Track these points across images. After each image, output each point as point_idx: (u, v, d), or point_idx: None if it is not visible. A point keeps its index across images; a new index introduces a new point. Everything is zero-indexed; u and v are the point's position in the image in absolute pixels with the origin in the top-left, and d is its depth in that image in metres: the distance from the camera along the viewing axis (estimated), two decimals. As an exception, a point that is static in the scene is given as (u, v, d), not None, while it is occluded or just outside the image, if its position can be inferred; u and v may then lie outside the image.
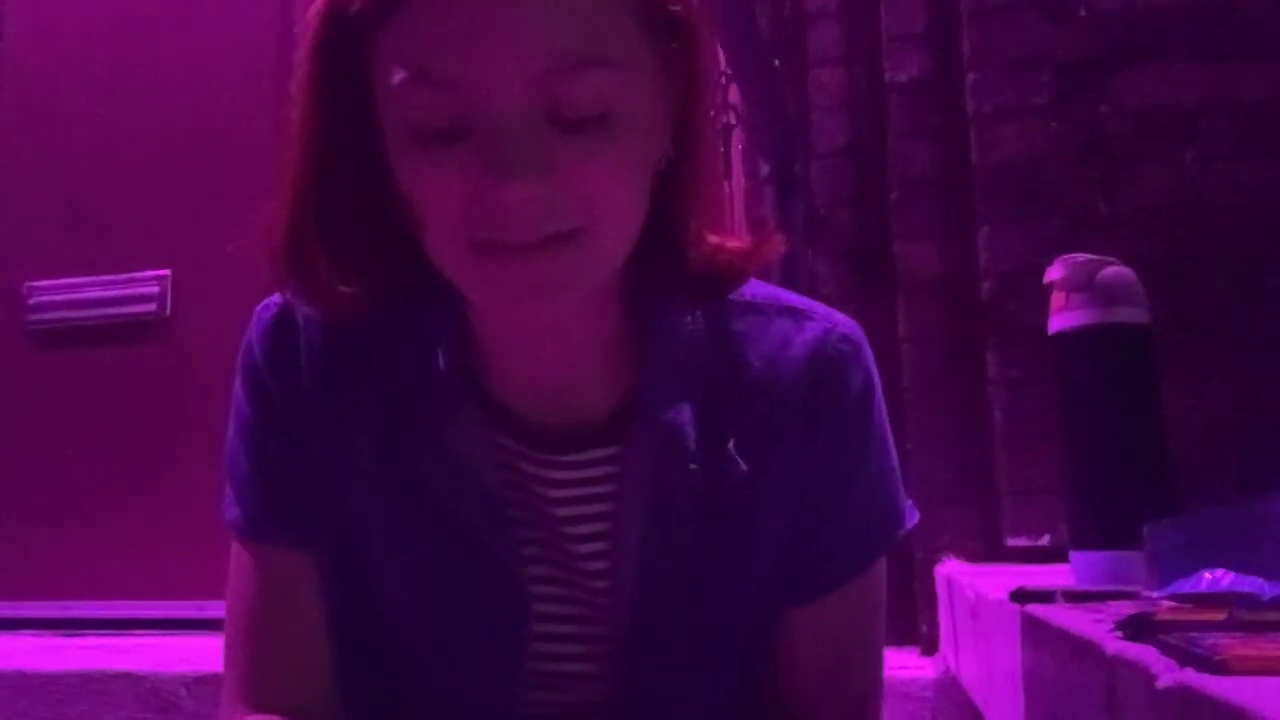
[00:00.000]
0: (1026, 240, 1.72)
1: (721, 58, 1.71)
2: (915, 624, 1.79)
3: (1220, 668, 0.44)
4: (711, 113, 0.69)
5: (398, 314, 0.71)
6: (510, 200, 0.57)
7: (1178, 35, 1.73)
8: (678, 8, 0.63)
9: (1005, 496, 1.71)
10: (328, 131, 0.63)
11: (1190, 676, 0.45)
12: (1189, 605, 0.60)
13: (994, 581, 1.18)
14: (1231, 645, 0.46)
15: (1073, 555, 1.01)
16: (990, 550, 1.74)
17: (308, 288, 0.67)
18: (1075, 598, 0.80)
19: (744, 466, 0.71)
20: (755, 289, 0.77)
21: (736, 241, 0.71)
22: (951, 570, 1.60)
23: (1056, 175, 1.75)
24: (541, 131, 0.58)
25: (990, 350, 1.74)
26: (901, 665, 1.69)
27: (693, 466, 0.70)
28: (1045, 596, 0.82)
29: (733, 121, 1.89)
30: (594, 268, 0.63)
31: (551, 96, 0.57)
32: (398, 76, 0.58)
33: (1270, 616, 0.53)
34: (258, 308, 0.76)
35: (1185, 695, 0.44)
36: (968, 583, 1.26)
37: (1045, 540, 1.65)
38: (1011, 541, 1.69)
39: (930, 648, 1.75)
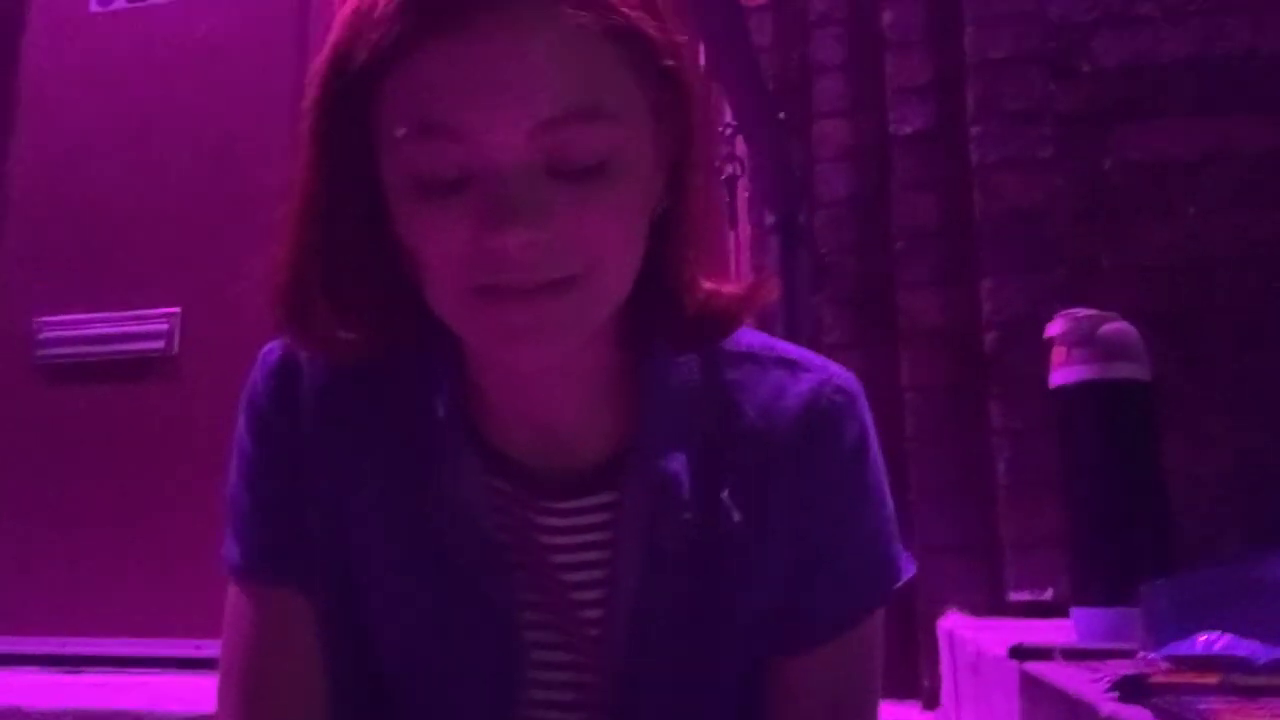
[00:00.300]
0: (1029, 291, 1.73)
1: (728, 111, 1.74)
2: (917, 678, 1.77)
3: (1210, 734, 0.44)
4: (706, 161, 0.70)
5: (398, 360, 0.72)
6: (510, 247, 0.58)
7: (1179, 89, 1.75)
8: (671, 61, 0.64)
9: (1008, 549, 1.70)
10: (331, 181, 0.64)
11: (1181, 741, 0.45)
12: (1183, 668, 0.60)
13: (995, 637, 1.17)
14: (1222, 711, 0.45)
15: (1073, 611, 1.00)
16: (993, 603, 1.73)
17: (308, 333, 0.68)
18: (1073, 655, 0.80)
19: (737, 516, 0.71)
20: (752, 339, 0.77)
21: (732, 287, 0.71)
22: (954, 624, 1.59)
23: (1060, 227, 1.76)
24: (541, 181, 0.59)
25: (993, 401, 1.74)
26: (903, 718, 1.68)
27: (687, 515, 0.70)
28: (1043, 654, 0.81)
29: (738, 172, 1.91)
30: (592, 312, 0.64)
31: (551, 147, 0.58)
32: (401, 129, 0.59)
33: (1262, 682, 0.53)
34: (263, 349, 0.77)
35: (1175, 760, 0.44)
36: (969, 637, 1.25)
37: (1048, 594, 1.64)
38: (1014, 596, 1.67)
39: (932, 701, 1.73)
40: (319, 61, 0.63)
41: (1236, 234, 1.70)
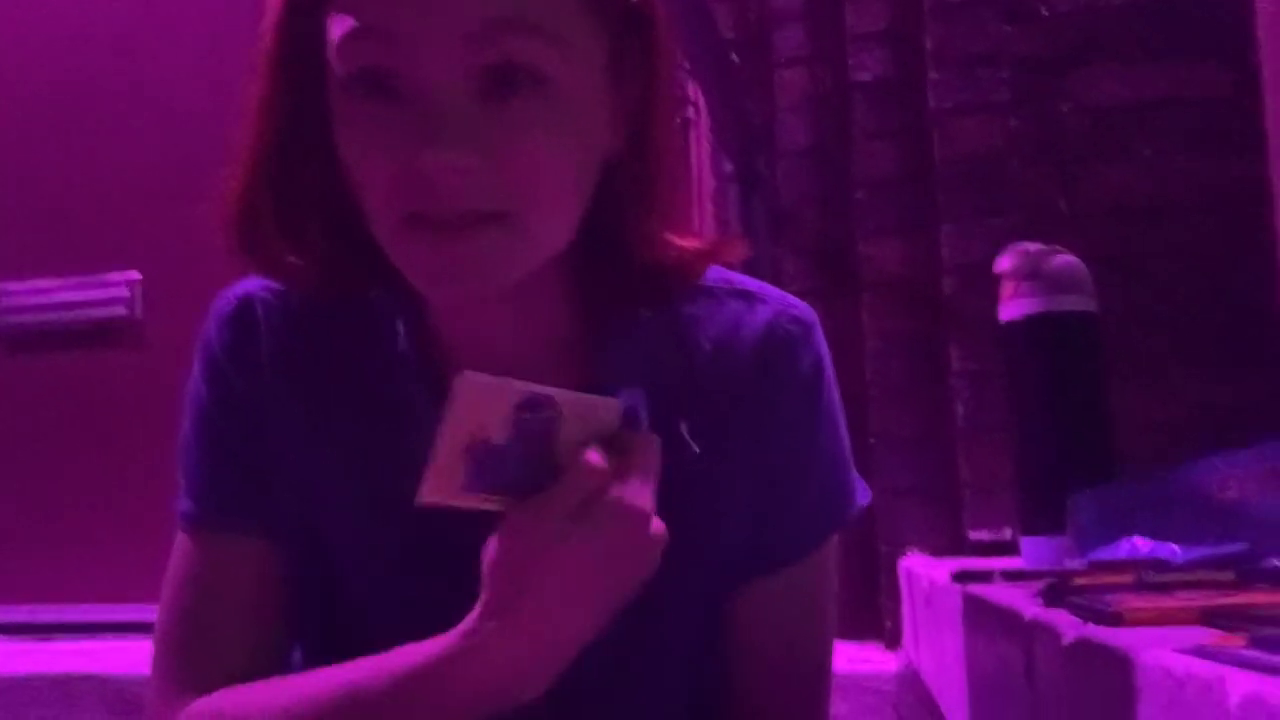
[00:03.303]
0: (987, 236, 1.74)
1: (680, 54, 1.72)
2: (879, 618, 1.81)
3: (1115, 620, 0.46)
4: (669, 113, 0.70)
5: (357, 302, 0.72)
6: (435, 167, 0.57)
7: (1136, 33, 1.75)
8: (636, 2, 0.64)
9: (967, 490, 1.73)
10: (286, 103, 0.64)
11: (1090, 630, 0.46)
12: (1106, 572, 0.62)
13: (948, 570, 1.20)
14: (1128, 600, 0.47)
15: (1023, 541, 1.03)
16: (953, 544, 1.76)
17: (259, 257, 0.68)
18: (1012, 576, 0.82)
19: (696, 449, 0.72)
20: (710, 272, 0.78)
21: (695, 242, 0.72)
22: (913, 564, 1.62)
23: (1016, 172, 1.77)
24: (473, 103, 0.58)
25: (952, 345, 1.76)
26: (865, 659, 1.71)
27: (645, 449, 0.71)
28: (984, 577, 0.84)
29: (691, 116, 1.90)
30: (523, 253, 0.63)
31: (484, 63, 0.58)
32: (338, 30, 0.59)
33: (1173, 578, 0.55)
34: (216, 299, 0.77)
35: (1085, 648, 0.45)
36: (924, 573, 1.28)
37: (1006, 533, 1.67)
38: (973, 535, 1.71)
39: (894, 642, 1.76)
40: None
41: (1193, 178, 1.71)
